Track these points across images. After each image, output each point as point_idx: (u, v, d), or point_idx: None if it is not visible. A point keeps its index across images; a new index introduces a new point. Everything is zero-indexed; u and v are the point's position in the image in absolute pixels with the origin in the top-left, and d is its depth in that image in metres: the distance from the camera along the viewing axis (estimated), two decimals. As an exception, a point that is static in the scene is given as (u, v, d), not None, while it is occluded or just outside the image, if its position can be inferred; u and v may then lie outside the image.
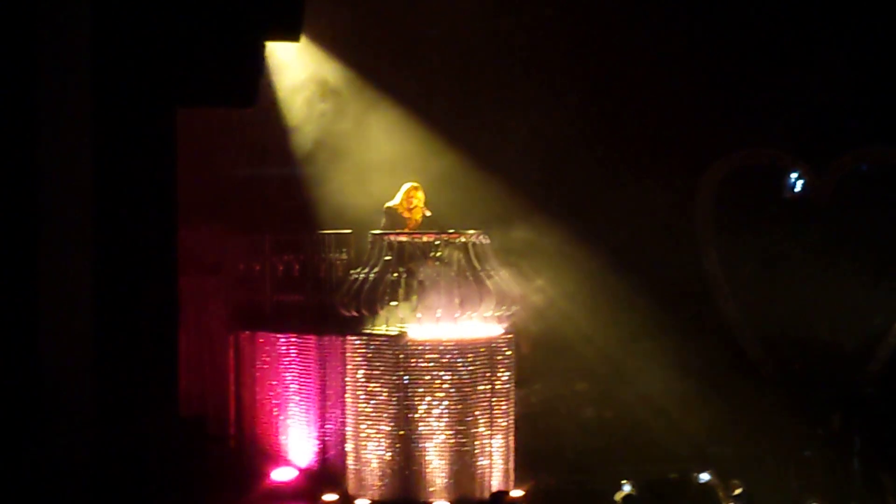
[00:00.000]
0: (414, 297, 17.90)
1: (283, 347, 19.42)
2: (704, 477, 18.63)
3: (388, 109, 20.75)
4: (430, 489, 17.63)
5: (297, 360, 19.19)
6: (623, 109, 21.67)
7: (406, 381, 17.56)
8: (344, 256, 18.85)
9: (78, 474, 12.96)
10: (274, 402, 19.62)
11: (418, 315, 17.77)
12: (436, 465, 17.62)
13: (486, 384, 17.89)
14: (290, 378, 19.31)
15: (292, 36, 15.61)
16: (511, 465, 18.31)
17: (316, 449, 18.86)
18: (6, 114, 12.82)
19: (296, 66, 20.36)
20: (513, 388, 18.30)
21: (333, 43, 20.33)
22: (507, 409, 18.20)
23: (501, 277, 18.23)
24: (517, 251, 19.77)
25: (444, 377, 17.62)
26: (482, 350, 17.90)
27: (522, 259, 19.72)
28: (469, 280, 17.91)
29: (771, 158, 22.80)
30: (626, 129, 21.68)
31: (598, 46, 21.41)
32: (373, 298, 17.87)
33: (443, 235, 18.14)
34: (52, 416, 13.00)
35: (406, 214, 18.50)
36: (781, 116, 22.00)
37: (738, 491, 17.44)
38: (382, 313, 17.88)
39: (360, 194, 19.54)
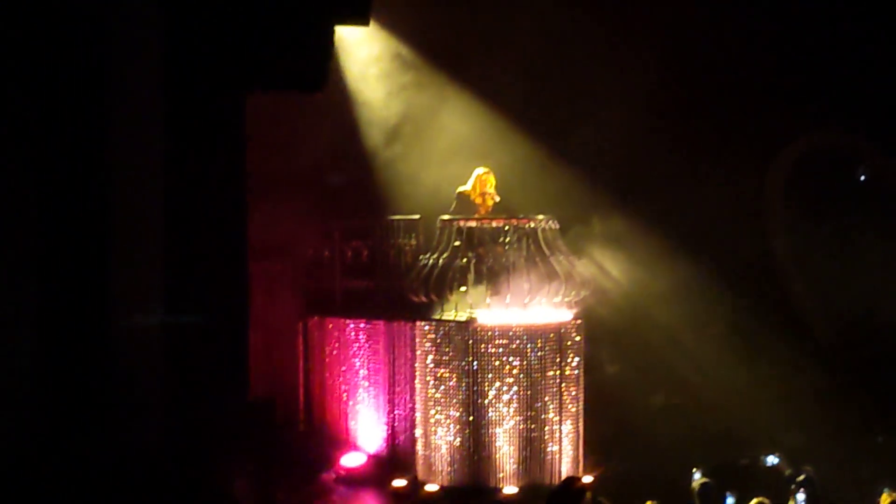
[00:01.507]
0: (483, 283, 17.87)
1: (353, 333, 19.47)
2: (772, 460, 18.49)
3: (460, 95, 20.70)
4: (500, 475, 17.61)
5: (367, 345, 19.23)
6: (695, 95, 21.50)
7: (475, 367, 17.53)
8: (413, 242, 18.84)
9: (150, 458, 13.06)
10: (343, 387, 19.68)
11: (487, 301, 17.74)
12: (505, 450, 17.59)
13: (555, 370, 17.84)
14: (359, 364, 19.36)
15: (361, 20, 15.62)
16: (580, 451, 18.26)
17: (385, 434, 18.89)
18: (78, 100, 12.91)
19: (367, 48, 20.33)
20: (582, 373, 18.25)
21: (403, 27, 20.28)
22: (577, 394, 18.14)
23: (571, 263, 18.17)
24: (587, 237, 19.69)
25: (513, 363, 17.58)
26: (551, 336, 17.84)
27: (592, 245, 19.63)
28: (538, 265, 17.86)
29: (843, 142, 22.58)
30: (698, 115, 21.50)
31: (670, 32, 21.24)
32: (442, 284, 17.86)
33: (512, 221, 18.09)
34: (125, 400, 13.10)
35: (477, 200, 18.47)
36: (853, 100, 21.76)
37: (807, 476, 17.28)
38: (451, 299, 17.86)
39: (430, 179, 19.53)
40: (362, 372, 19.32)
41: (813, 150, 22.44)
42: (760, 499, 14.73)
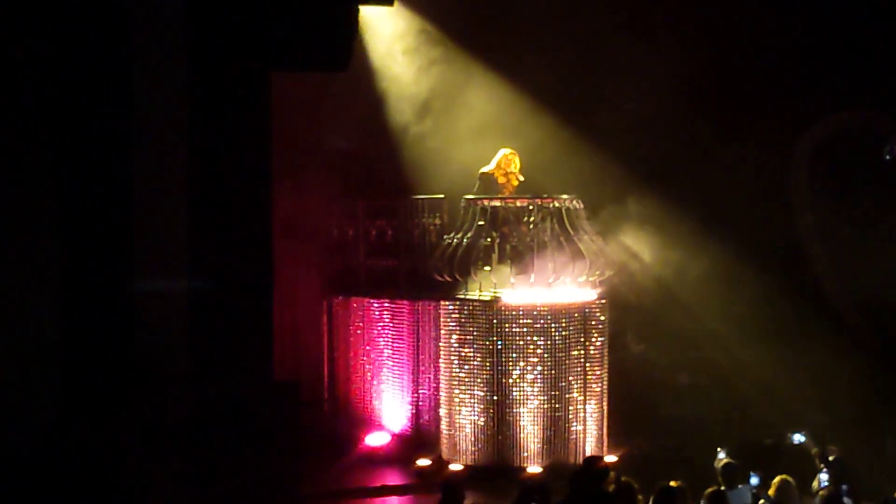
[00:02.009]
0: (507, 262, 17.86)
1: (377, 312, 19.47)
2: (799, 438, 18.43)
3: (487, 73, 20.60)
4: (524, 454, 17.62)
5: (391, 325, 19.23)
6: (722, 76, 21.39)
7: (500, 346, 17.53)
8: (437, 221, 18.80)
9: (176, 436, 13.10)
10: (367, 367, 19.68)
11: (512, 280, 17.72)
12: (529, 430, 17.59)
13: (579, 349, 17.84)
14: (383, 343, 19.36)
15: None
16: (605, 430, 18.26)
17: (409, 414, 18.91)
18: (107, 79, 12.95)
19: (391, 25, 20.23)
20: (606, 353, 18.23)
21: (428, 4, 20.18)
22: (601, 374, 18.14)
23: (595, 242, 18.14)
24: (613, 217, 19.61)
25: (537, 342, 17.57)
26: (576, 315, 17.83)
27: (618, 225, 19.56)
28: (563, 245, 17.83)
29: (869, 121, 22.44)
30: (725, 96, 21.40)
31: (698, 14, 21.12)
32: (466, 263, 17.85)
33: (536, 200, 18.05)
34: (151, 380, 13.14)
35: (501, 180, 18.44)
36: (879, 78, 21.64)
37: (836, 457, 17.21)
38: (476, 278, 17.83)
39: (457, 158, 19.46)
40: (386, 351, 19.32)
41: (839, 129, 22.31)
42: (784, 477, 14.68)
